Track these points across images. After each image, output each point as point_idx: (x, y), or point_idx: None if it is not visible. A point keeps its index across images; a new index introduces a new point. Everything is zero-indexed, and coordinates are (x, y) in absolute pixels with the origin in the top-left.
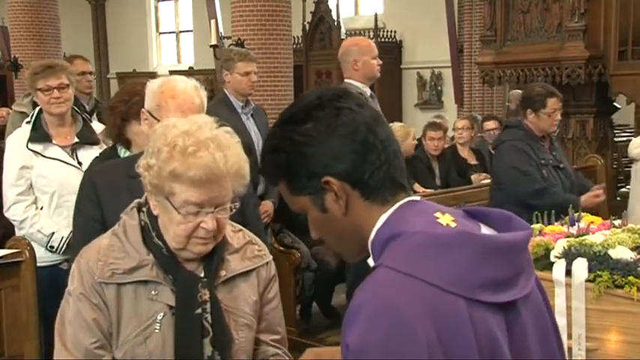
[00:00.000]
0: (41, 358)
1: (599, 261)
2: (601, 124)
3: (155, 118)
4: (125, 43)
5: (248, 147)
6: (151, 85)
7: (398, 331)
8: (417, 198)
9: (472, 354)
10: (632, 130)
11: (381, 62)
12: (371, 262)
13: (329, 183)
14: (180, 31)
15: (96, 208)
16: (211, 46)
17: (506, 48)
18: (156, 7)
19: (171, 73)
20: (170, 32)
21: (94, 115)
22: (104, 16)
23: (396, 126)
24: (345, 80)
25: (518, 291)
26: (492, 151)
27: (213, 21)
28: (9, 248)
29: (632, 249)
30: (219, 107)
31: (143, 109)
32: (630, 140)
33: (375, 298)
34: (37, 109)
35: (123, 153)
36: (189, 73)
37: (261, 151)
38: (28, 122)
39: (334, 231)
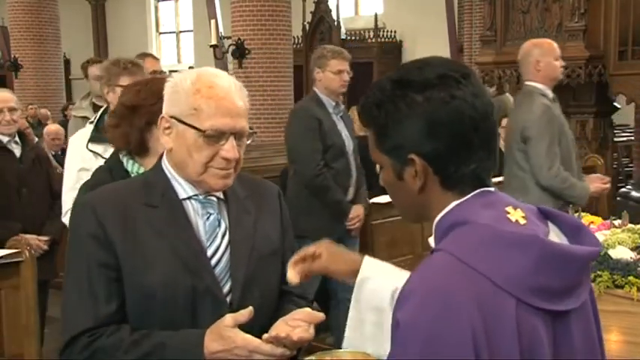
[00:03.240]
0: (41, 358)
1: (599, 261)
2: (601, 124)
3: (190, 126)
4: (125, 43)
5: (340, 149)
6: (178, 83)
7: (448, 314)
8: (492, 189)
9: (514, 350)
10: (632, 130)
11: (564, 64)
12: (431, 241)
13: (413, 160)
14: (180, 31)
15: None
16: (211, 46)
17: (506, 48)
18: (156, 7)
19: (172, 73)
20: (170, 32)
21: None
22: (104, 16)
23: None
24: (526, 82)
25: (573, 301)
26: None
27: (213, 21)
28: (9, 248)
29: (632, 249)
30: (312, 105)
31: (163, 116)
32: (630, 140)
33: (432, 280)
34: (103, 108)
35: (131, 166)
36: None
37: (367, 95)
38: (91, 122)
39: (402, 198)
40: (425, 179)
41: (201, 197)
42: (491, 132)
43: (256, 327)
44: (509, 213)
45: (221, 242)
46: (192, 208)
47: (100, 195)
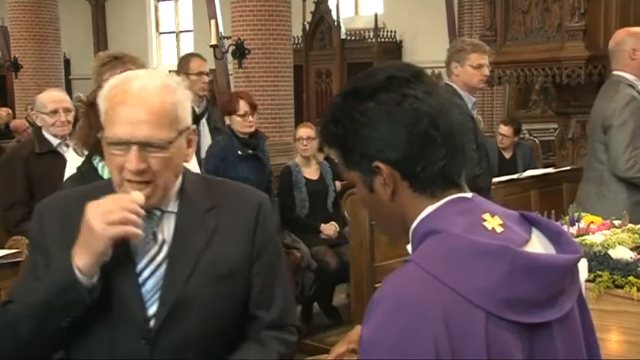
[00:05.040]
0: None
1: (599, 261)
2: None
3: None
4: (125, 43)
5: (485, 149)
6: (104, 86)
7: (410, 333)
8: (469, 195)
9: None
10: None
11: None
12: (409, 247)
13: (379, 168)
14: (180, 31)
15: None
16: (211, 46)
17: (506, 48)
18: (156, 7)
19: (172, 73)
20: (170, 32)
21: (204, 120)
22: (104, 16)
23: None
24: (614, 72)
25: (554, 311)
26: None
27: (213, 21)
28: (9, 248)
29: (632, 249)
30: (455, 99)
31: None
32: None
33: (397, 294)
34: None
35: (108, 172)
36: None
37: (321, 116)
38: (69, 121)
39: (379, 211)
40: (394, 185)
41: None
42: (453, 127)
43: (200, 356)
44: (485, 220)
45: (153, 259)
46: None
47: (50, 201)
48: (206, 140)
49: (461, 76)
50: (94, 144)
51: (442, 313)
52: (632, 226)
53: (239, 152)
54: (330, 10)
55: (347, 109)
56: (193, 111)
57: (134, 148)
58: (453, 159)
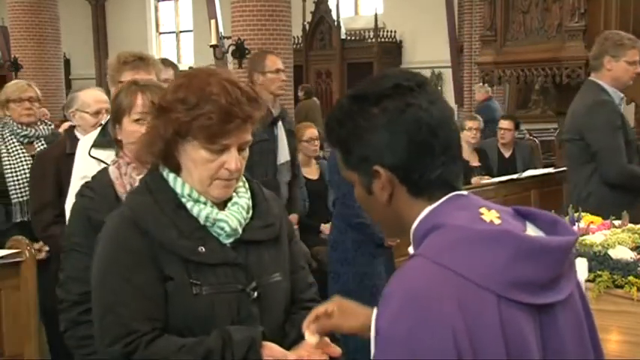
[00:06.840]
0: (41, 358)
1: (599, 261)
2: None
3: None
4: (125, 43)
5: (634, 147)
6: None
7: (426, 321)
8: (465, 192)
9: (499, 349)
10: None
11: None
12: (411, 250)
13: (378, 172)
14: (180, 31)
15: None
16: (211, 46)
17: (506, 48)
18: (156, 7)
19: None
20: (170, 32)
21: (279, 124)
22: (104, 16)
23: None
24: None
25: (556, 293)
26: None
27: (213, 21)
28: (9, 248)
29: (632, 249)
30: (605, 104)
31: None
32: None
33: (408, 286)
34: None
35: (180, 186)
36: None
37: (328, 115)
38: (101, 124)
39: (376, 212)
40: (392, 189)
41: None
42: (452, 137)
43: None
44: (482, 214)
45: None
46: None
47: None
48: (284, 144)
49: (613, 71)
50: (160, 152)
51: (456, 300)
52: (632, 226)
53: None
54: (330, 10)
55: (352, 112)
56: (270, 113)
57: None
58: (450, 166)
